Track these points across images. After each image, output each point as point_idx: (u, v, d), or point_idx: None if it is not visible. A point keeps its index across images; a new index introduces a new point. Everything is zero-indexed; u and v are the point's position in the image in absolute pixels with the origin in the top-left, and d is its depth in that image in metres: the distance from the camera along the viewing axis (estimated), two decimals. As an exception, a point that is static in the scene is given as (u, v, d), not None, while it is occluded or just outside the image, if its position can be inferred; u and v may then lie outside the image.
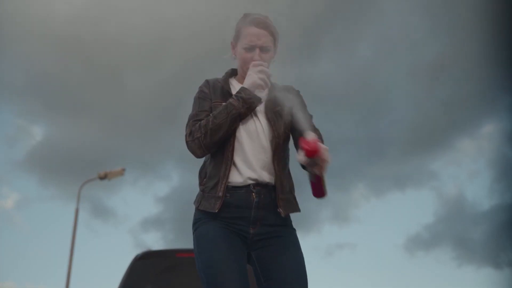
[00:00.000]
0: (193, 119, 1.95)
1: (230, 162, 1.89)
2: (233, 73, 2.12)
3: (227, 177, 1.88)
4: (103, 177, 13.08)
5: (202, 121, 1.90)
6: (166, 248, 5.49)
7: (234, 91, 1.97)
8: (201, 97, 2.01)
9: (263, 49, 1.96)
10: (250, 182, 1.88)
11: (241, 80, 2.03)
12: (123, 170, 13.31)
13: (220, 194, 1.86)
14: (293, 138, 2.01)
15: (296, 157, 1.79)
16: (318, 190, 1.84)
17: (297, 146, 1.94)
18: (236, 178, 1.89)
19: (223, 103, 1.93)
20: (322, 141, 1.88)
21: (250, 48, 1.96)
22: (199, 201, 1.93)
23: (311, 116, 2.05)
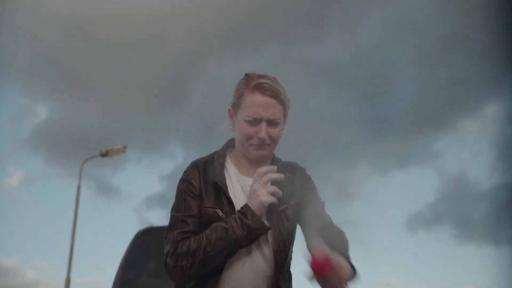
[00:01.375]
0: (179, 230, 1.52)
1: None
2: (229, 146, 1.69)
3: None
4: (104, 154, 13.10)
5: (191, 244, 1.48)
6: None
7: (230, 181, 1.60)
8: (187, 193, 1.56)
9: (271, 123, 1.54)
10: None
11: (240, 161, 1.64)
12: (125, 147, 13.33)
13: None
14: (305, 237, 1.66)
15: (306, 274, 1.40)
16: None
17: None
18: None
19: (216, 211, 1.53)
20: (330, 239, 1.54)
21: (255, 122, 1.54)
22: None
23: (323, 204, 1.70)
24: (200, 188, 1.57)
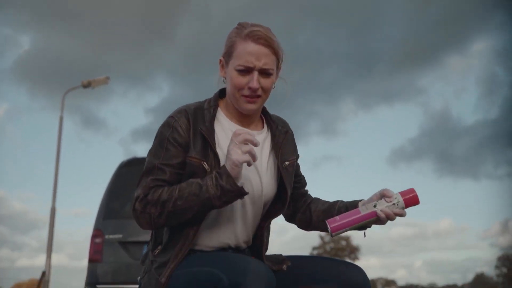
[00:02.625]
0: (153, 176, 1.48)
1: (192, 237, 1.49)
2: (221, 96, 1.64)
3: (179, 259, 1.48)
4: (86, 85, 12.88)
5: (163, 193, 1.44)
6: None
7: (222, 132, 1.56)
8: (171, 141, 1.50)
9: (263, 73, 1.50)
10: (222, 246, 1.55)
11: (232, 112, 1.60)
12: (108, 78, 13.09)
13: (163, 280, 1.47)
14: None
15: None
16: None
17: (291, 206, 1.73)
18: (201, 246, 1.54)
19: (203, 163, 1.48)
20: (305, 183, 1.76)
21: (246, 71, 1.49)
22: (144, 271, 1.57)
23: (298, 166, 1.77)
24: (186, 137, 1.50)
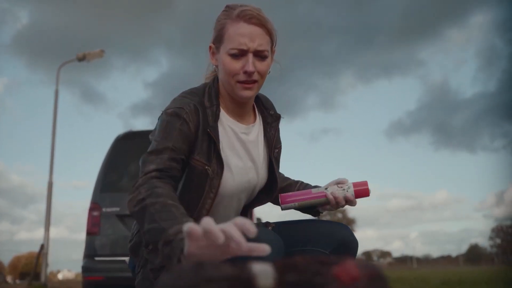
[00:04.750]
0: (167, 155, 1.31)
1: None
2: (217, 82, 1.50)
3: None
4: (81, 59, 12.75)
5: (165, 187, 1.22)
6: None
7: (222, 130, 1.45)
8: (179, 132, 1.35)
9: (258, 55, 1.38)
10: None
11: (227, 105, 1.48)
12: (102, 51, 12.94)
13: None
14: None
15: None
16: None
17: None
18: None
19: (207, 168, 1.37)
20: (278, 164, 1.62)
21: (240, 54, 1.37)
22: (139, 265, 1.48)
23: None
24: (194, 133, 1.38)
